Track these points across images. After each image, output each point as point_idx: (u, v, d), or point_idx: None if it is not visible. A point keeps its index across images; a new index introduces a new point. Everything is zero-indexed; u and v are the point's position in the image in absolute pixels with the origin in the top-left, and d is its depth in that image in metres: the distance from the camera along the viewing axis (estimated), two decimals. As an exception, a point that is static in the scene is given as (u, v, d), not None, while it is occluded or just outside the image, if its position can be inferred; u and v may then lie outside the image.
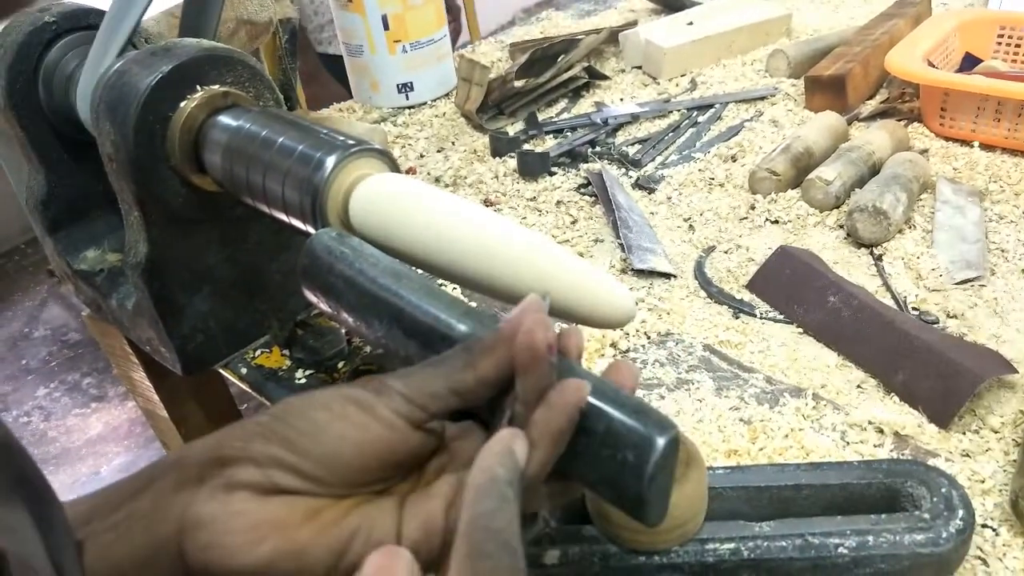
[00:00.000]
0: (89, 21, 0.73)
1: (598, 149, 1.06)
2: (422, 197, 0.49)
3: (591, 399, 0.37)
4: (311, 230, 0.54)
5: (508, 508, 0.31)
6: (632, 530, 0.46)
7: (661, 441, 0.35)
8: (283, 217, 0.57)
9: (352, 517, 0.37)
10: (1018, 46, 1.09)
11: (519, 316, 0.37)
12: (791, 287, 0.74)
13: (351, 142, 0.54)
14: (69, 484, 2.23)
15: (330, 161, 0.53)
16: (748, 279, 0.78)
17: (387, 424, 0.37)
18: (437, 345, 0.41)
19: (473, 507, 0.31)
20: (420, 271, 0.48)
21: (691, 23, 1.30)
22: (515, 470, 0.33)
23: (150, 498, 0.37)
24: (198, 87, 0.61)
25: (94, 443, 2.36)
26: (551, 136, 1.11)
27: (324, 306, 0.47)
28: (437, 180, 1.03)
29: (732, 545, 0.47)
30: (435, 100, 1.26)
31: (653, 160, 1.03)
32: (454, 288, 0.81)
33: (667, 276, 0.81)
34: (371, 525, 0.37)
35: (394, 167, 0.56)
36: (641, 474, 0.35)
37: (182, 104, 0.61)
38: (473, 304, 0.79)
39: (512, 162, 1.04)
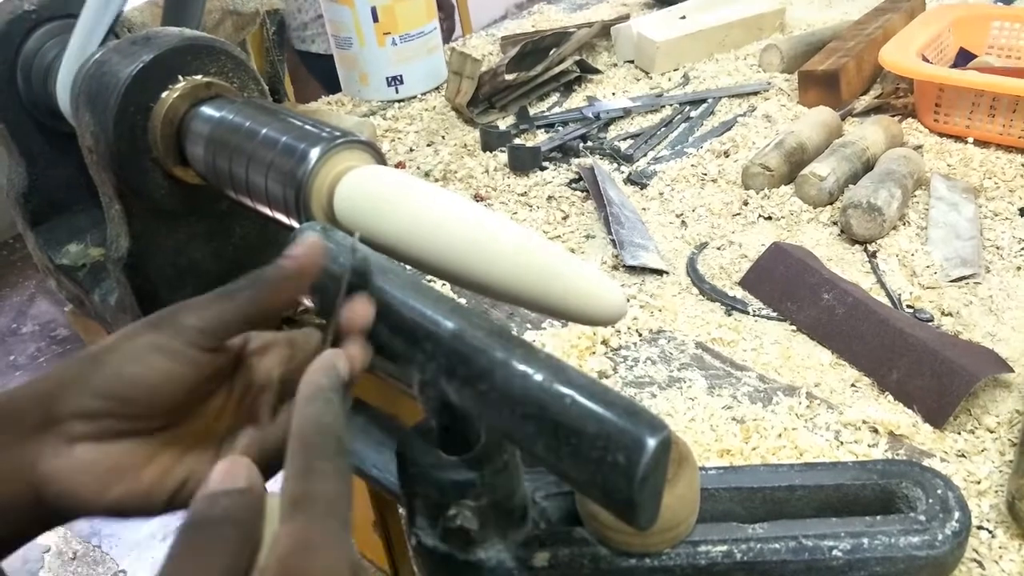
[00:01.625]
0: (69, 10, 0.71)
1: (590, 144, 1.05)
2: (409, 191, 0.48)
3: (580, 398, 0.35)
4: (295, 224, 0.53)
5: (333, 409, 0.35)
6: (623, 532, 0.45)
7: (652, 442, 0.34)
8: (267, 211, 0.56)
9: (187, 460, 0.42)
10: (1012, 42, 1.08)
11: (300, 250, 0.42)
12: (784, 284, 0.73)
13: (336, 134, 0.53)
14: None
15: (314, 153, 0.51)
16: (741, 276, 0.77)
17: (190, 361, 0.40)
18: (423, 342, 0.40)
19: (302, 410, 0.35)
20: (407, 267, 0.47)
21: (684, 17, 1.29)
22: (338, 380, 0.37)
23: None
24: (180, 77, 0.60)
25: (81, 439, 2.34)
26: (542, 130, 1.10)
27: (310, 302, 0.46)
28: (427, 174, 1.02)
29: (725, 547, 0.46)
30: (425, 93, 1.25)
31: (645, 155, 1.02)
32: (442, 285, 0.80)
33: (659, 273, 0.80)
34: (203, 468, 0.42)
35: (381, 159, 0.54)
36: (632, 476, 0.34)
37: (164, 95, 0.59)
38: (461, 301, 0.78)
39: (503, 156, 1.03)
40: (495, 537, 0.44)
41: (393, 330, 0.42)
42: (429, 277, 0.80)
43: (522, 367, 0.38)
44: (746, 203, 0.89)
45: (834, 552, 0.45)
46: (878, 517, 0.47)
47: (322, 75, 1.90)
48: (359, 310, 0.42)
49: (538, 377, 0.37)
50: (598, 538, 0.46)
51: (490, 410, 0.38)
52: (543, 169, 1.00)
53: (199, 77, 0.60)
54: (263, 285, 0.41)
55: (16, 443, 0.39)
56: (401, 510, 0.86)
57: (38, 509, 0.39)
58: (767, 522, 0.47)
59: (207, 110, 0.59)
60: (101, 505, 0.39)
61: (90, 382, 0.40)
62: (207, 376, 0.42)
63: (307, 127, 0.54)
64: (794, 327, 0.71)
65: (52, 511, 0.40)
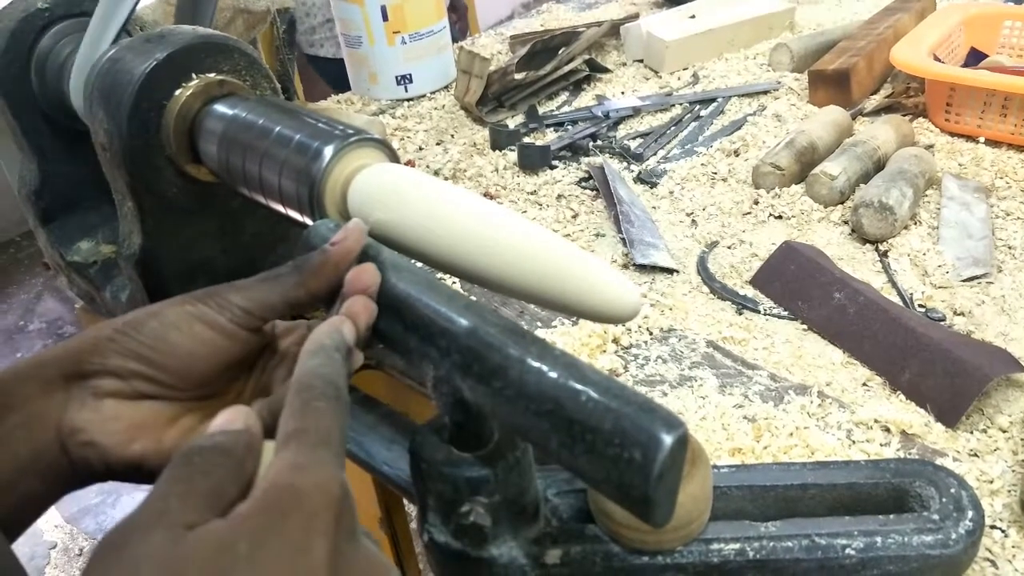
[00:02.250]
0: (83, 8, 0.71)
1: (599, 143, 1.05)
2: (422, 188, 0.48)
3: (596, 395, 0.35)
4: (308, 221, 0.53)
5: (334, 364, 0.36)
6: (636, 529, 0.45)
7: (668, 439, 0.34)
8: (280, 208, 0.56)
9: (206, 424, 0.42)
10: (1024, 41, 1.08)
11: (344, 237, 0.43)
12: (795, 283, 0.73)
13: (350, 131, 0.53)
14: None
15: (328, 151, 0.51)
16: (751, 275, 0.77)
17: (230, 335, 0.42)
18: (437, 339, 0.40)
19: (303, 363, 0.36)
20: (420, 264, 0.47)
21: (693, 16, 1.29)
22: (341, 340, 0.38)
23: (21, 411, 0.41)
24: (193, 75, 0.60)
25: (89, 437, 2.34)
26: (551, 129, 1.10)
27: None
28: (436, 173, 1.02)
29: (737, 545, 0.46)
30: (434, 92, 1.25)
31: (655, 154, 1.02)
32: (454, 282, 0.80)
33: (669, 271, 0.79)
34: None
35: (393, 157, 0.54)
36: (648, 473, 0.34)
37: (177, 92, 0.59)
38: (473, 298, 0.78)
39: (512, 155, 1.03)
40: (507, 534, 0.44)
41: (407, 327, 0.42)
42: (441, 275, 0.81)
43: (537, 364, 0.37)
44: (756, 202, 0.89)
45: (847, 551, 0.45)
46: (891, 516, 0.47)
47: (331, 78, 1.90)
48: (364, 273, 0.43)
49: (553, 374, 0.37)
50: (610, 535, 0.46)
51: (505, 407, 0.38)
52: (552, 168, 1.00)
53: (212, 75, 0.60)
54: (308, 269, 0.43)
55: (42, 395, 0.41)
56: (410, 507, 0.87)
57: (63, 460, 0.41)
58: (779, 520, 0.47)
59: (220, 108, 0.59)
60: (123, 458, 0.41)
61: (127, 343, 0.42)
62: (242, 354, 0.44)
63: (320, 125, 0.54)
64: (805, 326, 0.71)
65: (77, 463, 0.41)
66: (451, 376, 0.40)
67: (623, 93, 1.19)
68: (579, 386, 0.36)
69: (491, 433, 0.43)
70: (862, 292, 0.69)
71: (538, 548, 0.45)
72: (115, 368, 0.41)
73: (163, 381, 0.42)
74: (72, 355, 0.42)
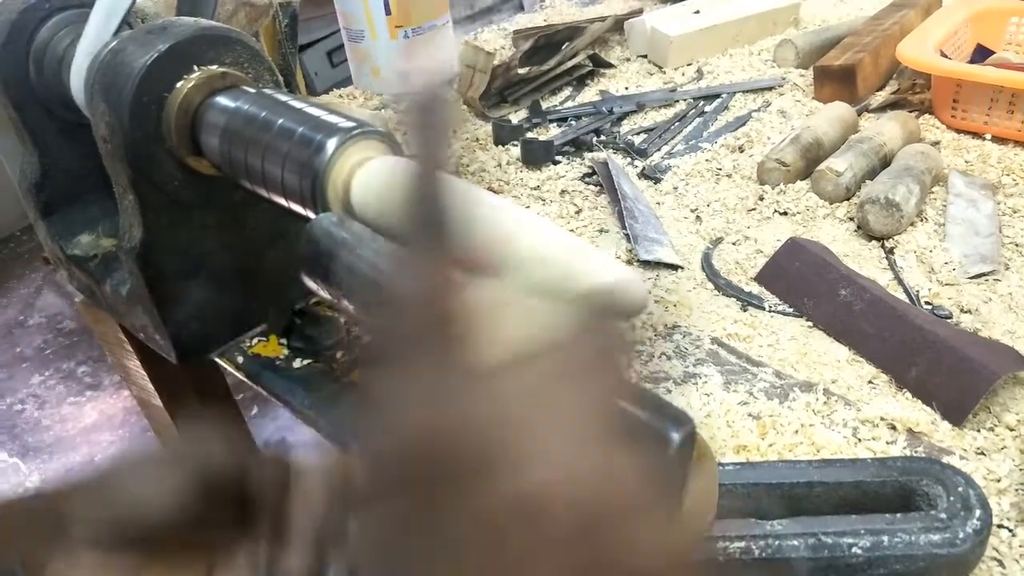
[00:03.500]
0: (82, 0, 0.71)
1: (603, 138, 1.04)
2: (427, 181, 0.47)
3: None
4: (311, 215, 0.52)
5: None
6: None
7: (677, 436, 0.33)
8: (282, 201, 0.55)
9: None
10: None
11: None
12: (801, 279, 0.73)
13: (353, 124, 0.52)
14: (63, 473, 2.21)
15: (331, 144, 0.51)
16: (756, 271, 0.77)
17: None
18: None
19: None
20: None
21: (698, 12, 1.29)
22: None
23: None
24: (195, 67, 0.59)
25: (88, 432, 2.34)
26: (555, 124, 1.09)
27: (325, 293, 0.45)
28: (439, 168, 1.01)
29: (743, 544, 0.46)
30: (437, 87, 1.24)
31: (659, 150, 1.02)
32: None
33: (674, 268, 0.79)
34: None
35: (397, 150, 0.54)
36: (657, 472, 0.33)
37: (179, 84, 0.59)
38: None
39: (515, 150, 1.02)
40: None
41: None
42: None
43: None
44: (761, 198, 0.88)
45: (854, 550, 0.45)
46: (898, 515, 0.47)
47: None
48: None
49: None
50: None
51: None
52: (556, 163, 1.00)
53: (214, 67, 0.60)
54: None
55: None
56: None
57: None
58: (785, 519, 0.47)
59: (222, 100, 0.59)
60: None
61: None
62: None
63: (323, 117, 0.53)
64: (810, 323, 0.71)
65: None
66: None
67: (627, 88, 1.18)
68: None
69: None
70: (868, 289, 0.69)
71: None
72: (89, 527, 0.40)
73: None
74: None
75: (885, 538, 0.45)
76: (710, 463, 0.45)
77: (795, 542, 0.45)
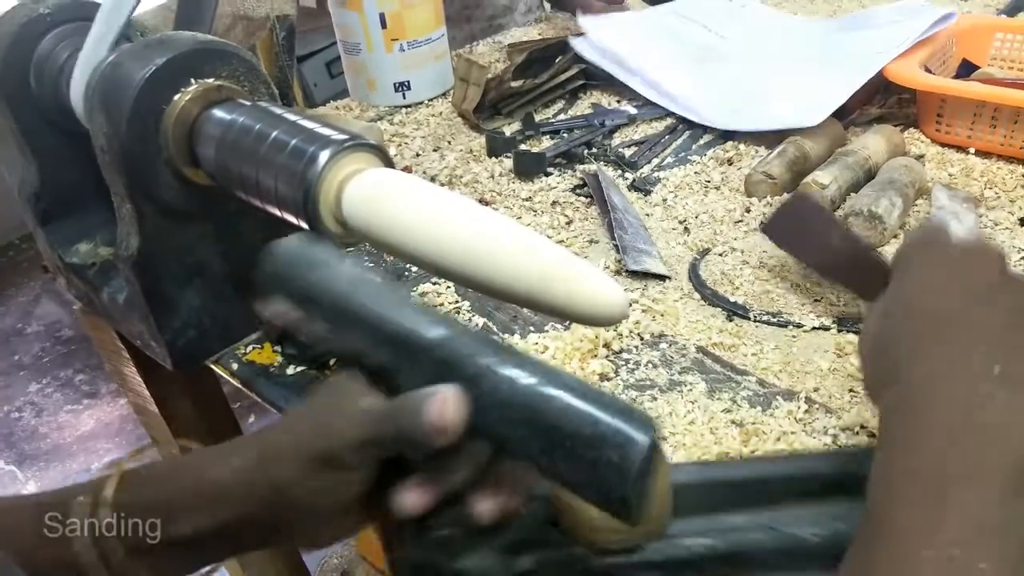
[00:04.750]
0: (83, 13, 0.72)
1: (594, 150, 1.06)
2: (417, 193, 0.49)
3: (574, 401, 0.36)
4: (304, 225, 0.54)
5: None
6: (602, 530, 0.46)
7: (645, 440, 0.35)
8: (276, 212, 0.57)
9: None
10: (1015, 54, 1.09)
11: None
12: (805, 229, 0.69)
13: (345, 137, 0.54)
14: (60, 480, 2.22)
15: (323, 156, 0.52)
16: (743, 279, 0.78)
17: None
18: (407, 353, 0.40)
19: None
20: (380, 280, 0.46)
21: (689, 26, 1.30)
22: None
23: None
24: (192, 80, 0.61)
25: (85, 440, 2.35)
26: (548, 137, 1.11)
27: (286, 319, 0.45)
28: (433, 179, 1.03)
29: (707, 540, 0.47)
30: (432, 99, 1.26)
31: (649, 162, 1.03)
32: (448, 286, 0.81)
33: (661, 278, 0.80)
34: None
35: (389, 163, 0.55)
36: (627, 475, 0.34)
37: (176, 97, 0.60)
38: (465, 302, 0.78)
39: (508, 162, 1.04)
40: (479, 545, 0.45)
41: (377, 340, 0.41)
42: (436, 278, 0.82)
43: (513, 371, 0.38)
44: (748, 210, 0.90)
45: (814, 539, 0.46)
46: (857, 503, 0.48)
47: None
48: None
49: (530, 381, 0.37)
50: (576, 537, 0.47)
51: (481, 418, 0.38)
52: (548, 175, 1.01)
53: (211, 80, 0.61)
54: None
55: None
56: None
57: None
58: (747, 512, 0.48)
59: (219, 113, 0.60)
60: None
61: None
62: None
63: (317, 130, 0.55)
64: (795, 328, 0.72)
65: None
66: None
67: (619, 102, 1.20)
68: (556, 392, 0.37)
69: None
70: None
71: (509, 556, 0.46)
72: None
73: None
74: None
75: (843, 525, 0.46)
76: (663, 463, 0.47)
77: (758, 535, 0.47)
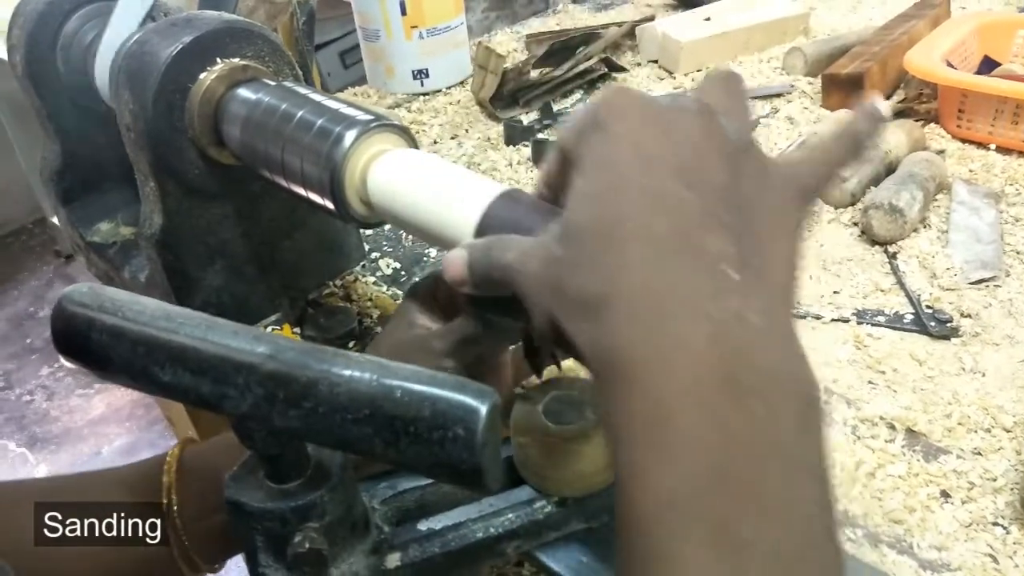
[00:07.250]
0: (109, -8, 0.72)
1: (612, 141, 1.05)
2: (442, 173, 0.49)
3: (409, 386, 0.35)
4: (330, 205, 0.54)
5: None
6: (563, 481, 0.48)
7: (484, 408, 0.34)
8: (301, 191, 0.57)
9: None
10: (1037, 51, 1.09)
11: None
12: None
13: (371, 117, 0.54)
14: (70, 464, 2.23)
15: (349, 136, 0.52)
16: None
17: None
18: (232, 376, 0.38)
19: None
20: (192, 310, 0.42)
21: (708, 19, 1.30)
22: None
23: None
24: (218, 59, 0.61)
25: (96, 424, 2.36)
26: (565, 126, 1.11)
27: (90, 369, 0.42)
28: (450, 166, 1.03)
29: None
30: (450, 87, 1.26)
31: (667, 153, 1.03)
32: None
33: (680, 267, 0.80)
34: None
35: (413, 144, 0.55)
36: (473, 445, 0.34)
37: (202, 76, 0.60)
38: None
39: (526, 151, 1.04)
40: (344, 552, 0.44)
41: (195, 371, 0.39)
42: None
43: (346, 373, 0.37)
44: (767, 202, 0.89)
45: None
46: None
47: None
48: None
49: (364, 377, 0.36)
50: (542, 487, 0.49)
51: (321, 424, 0.37)
52: (566, 164, 1.01)
53: (237, 60, 0.61)
54: None
55: None
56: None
57: None
58: None
59: (244, 92, 0.60)
60: None
61: None
62: None
63: (342, 110, 0.55)
64: (812, 324, 0.72)
65: None
66: (256, 411, 0.38)
67: (637, 93, 1.20)
68: (392, 383, 0.36)
69: (307, 457, 0.43)
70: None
71: (377, 557, 0.46)
72: None
73: None
74: None
75: None
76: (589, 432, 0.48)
77: None
